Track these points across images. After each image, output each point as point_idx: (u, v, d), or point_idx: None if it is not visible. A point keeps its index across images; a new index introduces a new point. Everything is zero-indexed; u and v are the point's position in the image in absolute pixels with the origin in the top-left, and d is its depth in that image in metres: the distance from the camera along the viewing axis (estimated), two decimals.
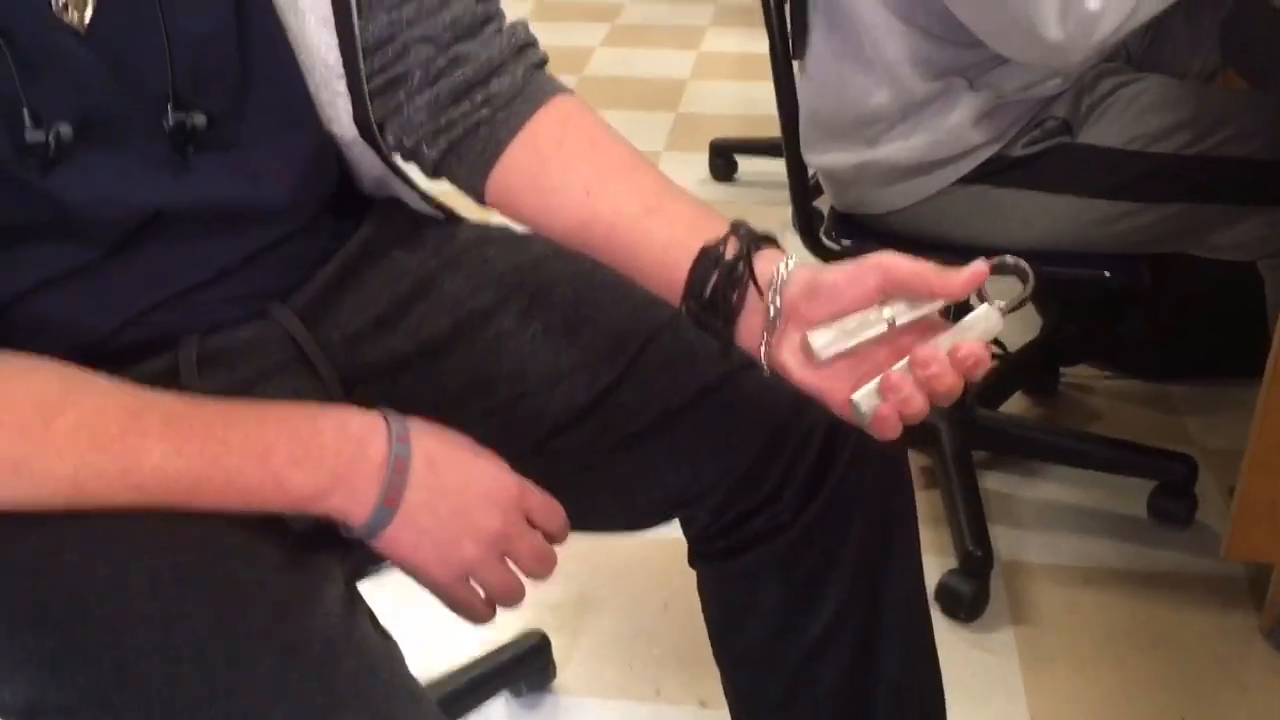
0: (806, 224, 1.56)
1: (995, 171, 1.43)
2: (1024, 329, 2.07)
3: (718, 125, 3.04)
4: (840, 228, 1.55)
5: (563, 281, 0.92)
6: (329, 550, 0.72)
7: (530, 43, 0.89)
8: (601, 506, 0.93)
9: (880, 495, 0.90)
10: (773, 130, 1.63)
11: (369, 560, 0.79)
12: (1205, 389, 1.98)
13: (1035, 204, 1.44)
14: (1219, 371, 1.97)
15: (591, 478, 0.90)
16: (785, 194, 1.59)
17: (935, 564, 1.55)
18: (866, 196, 1.50)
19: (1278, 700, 1.40)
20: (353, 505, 0.72)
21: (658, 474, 0.90)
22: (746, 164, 2.81)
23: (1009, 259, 0.75)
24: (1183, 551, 1.65)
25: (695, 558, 0.97)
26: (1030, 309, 2.12)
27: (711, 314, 0.78)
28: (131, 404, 0.70)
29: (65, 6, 0.73)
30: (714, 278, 0.77)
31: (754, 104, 3.27)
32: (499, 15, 0.88)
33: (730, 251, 0.77)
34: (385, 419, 0.74)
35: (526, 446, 0.86)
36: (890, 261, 0.72)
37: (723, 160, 2.80)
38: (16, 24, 0.71)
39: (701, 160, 2.83)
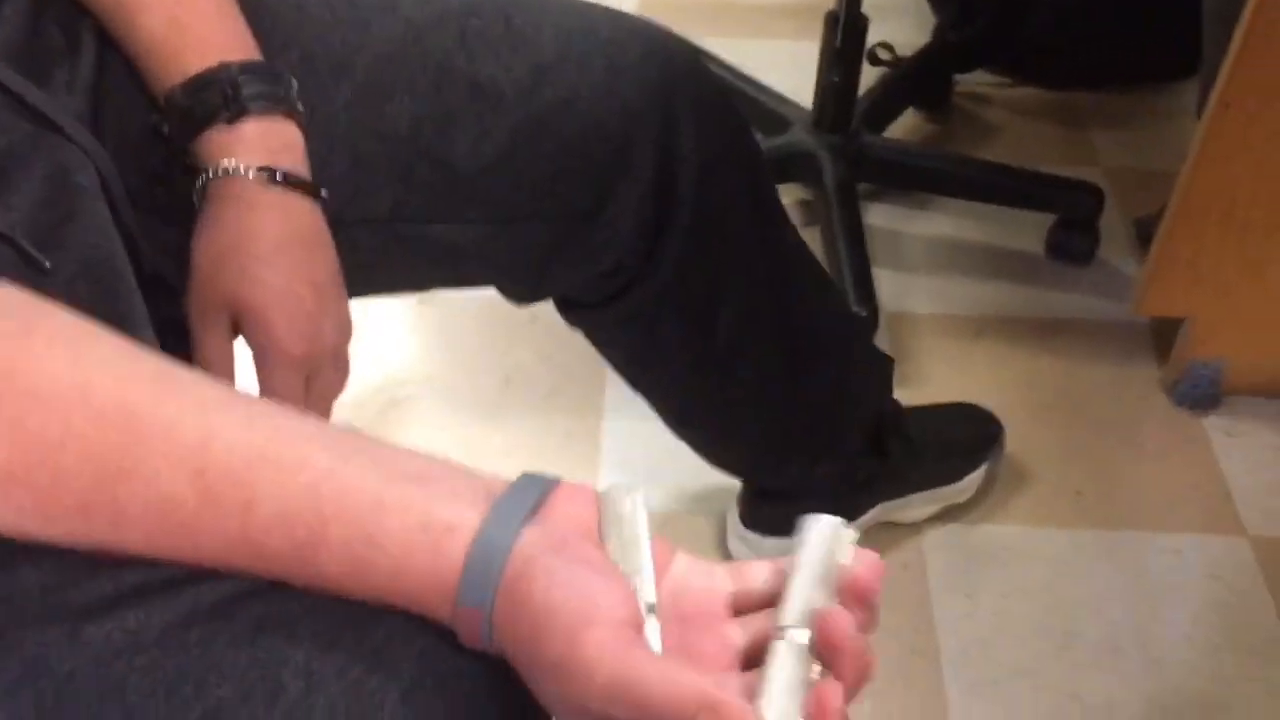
0: None
1: None
2: (915, 30, 1.81)
3: None
4: None
5: None
6: None
7: None
8: (416, 275, 0.81)
9: (738, 176, 0.84)
10: None
11: None
12: (1116, 98, 1.77)
13: None
14: (1133, 76, 1.76)
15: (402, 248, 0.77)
16: None
17: None
18: None
19: (1177, 464, 1.29)
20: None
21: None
22: None
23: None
24: (1082, 294, 1.49)
25: (568, 313, 0.89)
26: (923, 5, 1.85)
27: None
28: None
29: None
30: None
31: None
32: None
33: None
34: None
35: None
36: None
37: None
38: None
39: None
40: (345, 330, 0.67)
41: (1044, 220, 1.53)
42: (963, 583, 1.17)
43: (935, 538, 1.21)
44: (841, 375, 1.02)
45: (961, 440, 1.22)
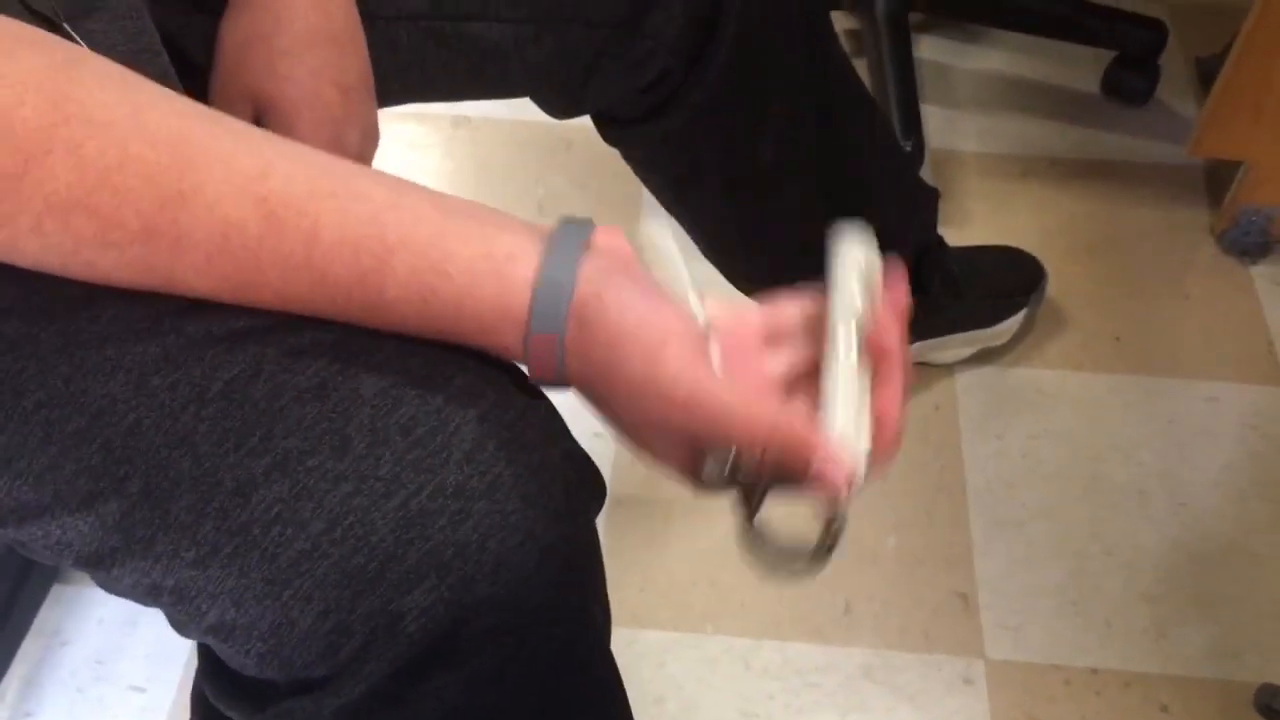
0: None
1: None
2: None
3: None
4: None
5: None
6: None
7: None
8: (454, 79, 0.76)
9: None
10: None
11: None
12: None
13: None
14: None
15: (440, 47, 0.73)
16: None
17: None
18: None
19: (1220, 312, 1.27)
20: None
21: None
22: None
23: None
24: (1136, 135, 1.44)
25: (607, 130, 0.86)
26: None
27: None
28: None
29: None
30: None
31: None
32: None
33: None
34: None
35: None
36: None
37: None
38: None
39: None
40: (372, 139, 0.65)
41: (1101, 57, 1.47)
42: (993, 424, 1.17)
43: (969, 379, 1.20)
44: (885, 206, 1.00)
45: (1003, 283, 1.19)
